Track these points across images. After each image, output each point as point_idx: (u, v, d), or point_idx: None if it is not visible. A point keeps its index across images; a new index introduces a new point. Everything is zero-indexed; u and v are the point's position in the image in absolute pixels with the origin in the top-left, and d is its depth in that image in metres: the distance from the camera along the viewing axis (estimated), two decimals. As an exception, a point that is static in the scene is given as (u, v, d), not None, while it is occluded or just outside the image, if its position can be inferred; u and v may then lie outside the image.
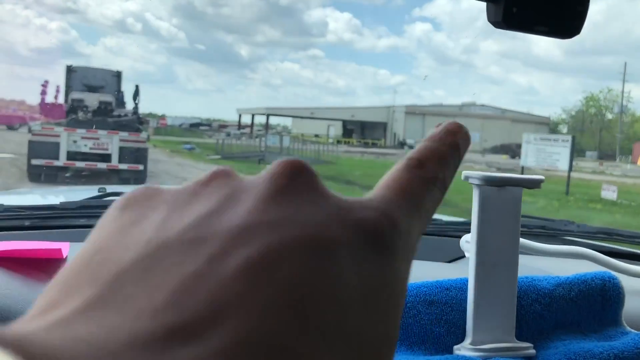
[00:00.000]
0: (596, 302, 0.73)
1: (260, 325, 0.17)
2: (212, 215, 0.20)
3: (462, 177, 0.68)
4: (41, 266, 0.77)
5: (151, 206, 0.22)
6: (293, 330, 0.17)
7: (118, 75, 14.60)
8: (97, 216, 0.82)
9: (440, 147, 0.26)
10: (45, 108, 13.54)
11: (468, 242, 0.71)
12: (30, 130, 11.80)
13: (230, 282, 0.17)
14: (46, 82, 14.16)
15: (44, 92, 13.77)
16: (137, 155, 11.41)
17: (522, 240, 0.83)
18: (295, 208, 0.20)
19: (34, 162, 10.74)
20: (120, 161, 11.25)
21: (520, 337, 0.70)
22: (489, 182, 0.67)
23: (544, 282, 0.73)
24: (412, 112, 44.37)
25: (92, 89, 13.78)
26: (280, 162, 0.22)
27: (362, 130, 45.34)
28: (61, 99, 13.84)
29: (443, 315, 0.68)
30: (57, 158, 10.92)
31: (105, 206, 1.22)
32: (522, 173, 0.76)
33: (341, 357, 0.18)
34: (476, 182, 0.67)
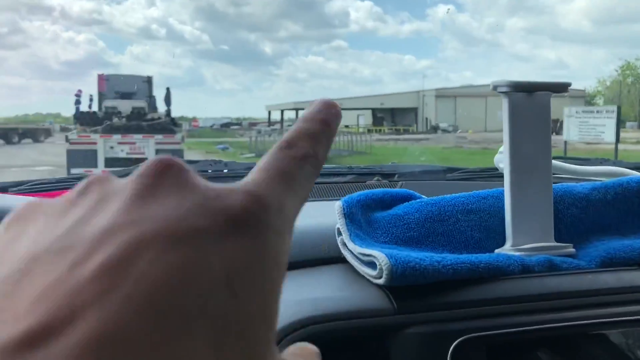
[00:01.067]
0: (634, 204, 0.75)
1: (117, 320, 0.18)
2: (81, 222, 0.21)
3: (491, 87, 0.71)
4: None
5: (32, 220, 0.23)
6: (148, 321, 0.18)
7: (149, 80, 14.81)
8: None
9: (310, 126, 0.28)
10: (80, 117, 13.82)
11: (501, 153, 0.73)
12: (67, 140, 12.01)
13: (89, 283, 0.18)
14: (80, 91, 14.44)
15: (78, 102, 14.05)
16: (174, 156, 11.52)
17: (556, 162, 0.86)
18: (160, 204, 0.21)
19: (74, 171, 10.83)
20: None
21: (559, 239, 0.72)
22: (518, 88, 0.69)
23: (579, 188, 0.75)
24: (443, 95, 43.93)
25: (124, 95, 14.00)
26: (148, 162, 0.23)
27: (392, 117, 45.07)
28: (95, 108, 14.10)
29: (482, 222, 0.71)
30: (95, 166, 11.01)
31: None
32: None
33: (206, 340, 0.19)
34: (505, 89, 0.69)
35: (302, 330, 0.56)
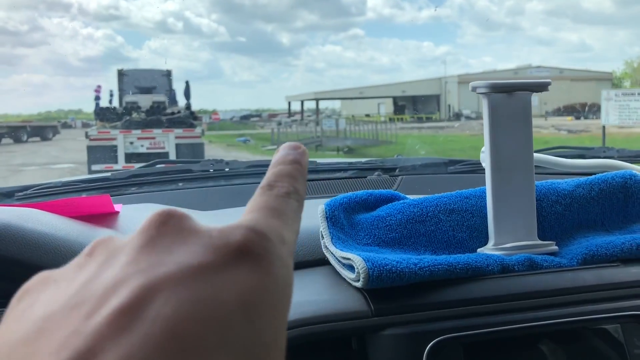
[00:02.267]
0: (618, 200, 0.76)
1: (139, 356, 0.19)
2: (91, 279, 0.23)
3: (470, 89, 0.72)
4: (95, 219, 0.85)
5: (43, 289, 0.24)
6: (170, 355, 0.19)
7: (168, 74, 14.86)
8: (147, 183, 0.90)
9: (284, 167, 0.31)
10: (100, 113, 13.95)
11: (484, 153, 0.74)
12: (87, 136, 12.10)
13: (106, 327, 0.20)
14: (99, 87, 14.57)
15: (97, 98, 14.18)
16: (194, 150, 11.45)
17: (550, 157, 0.86)
18: (166, 252, 0.23)
19: (94, 167, 10.74)
20: (178, 158, 11.25)
21: (543, 237, 0.73)
22: (497, 89, 0.70)
23: (564, 184, 0.76)
24: (465, 81, 43.47)
25: (144, 90, 14.08)
26: (150, 216, 0.25)
27: (414, 105, 44.77)
28: (115, 103, 14.23)
29: (464, 222, 0.72)
30: (115, 161, 11.08)
31: (154, 174, 1.31)
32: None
33: None
34: (484, 90, 0.70)
35: None
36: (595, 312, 0.63)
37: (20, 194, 1.16)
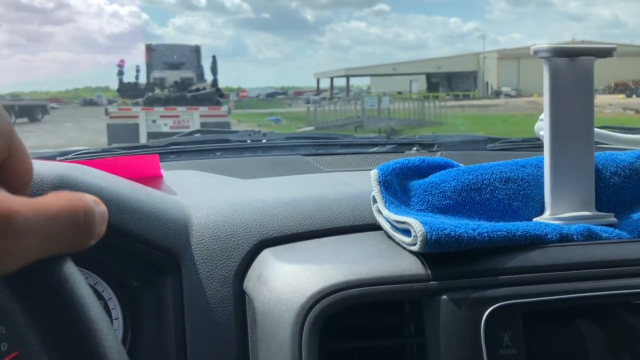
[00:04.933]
0: None
1: None
2: None
3: (532, 52, 0.72)
4: (144, 180, 0.88)
5: None
6: None
7: (197, 49, 14.73)
8: (185, 151, 0.93)
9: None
10: (122, 89, 13.99)
11: (542, 121, 0.75)
12: (107, 113, 12.00)
13: None
14: (122, 61, 14.64)
15: (120, 73, 14.24)
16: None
17: (600, 130, 0.87)
18: None
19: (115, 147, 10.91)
20: None
21: (601, 209, 0.74)
22: (559, 53, 0.71)
23: (623, 156, 0.77)
24: (506, 57, 42.88)
25: (172, 66, 13.94)
26: None
27: (448, 82, 44.30)
28: (142, 80, 14.26)
29: (520, 191, 0.74)
30: (137, 141, 10.72)
31: (192, 142, 1.34)
32: None
33: None
34: (545, 54, 0.71)
35: (336, 294, 0.60)
36: None
37: (61, 157, 1.20)
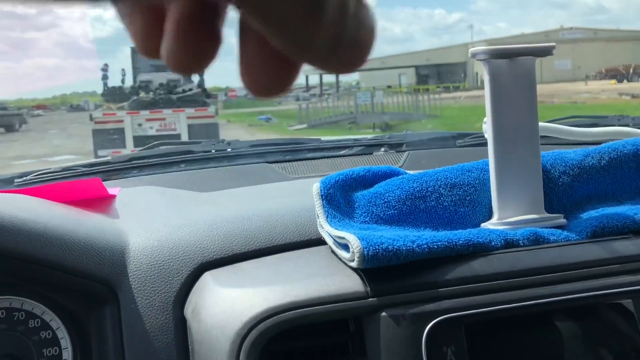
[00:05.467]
0: (630, 169, 0.75)
1: None
2: None
3: (470, 55, 0.71)
4: (90, 203, 0.87)
5: None
6: None
7: None
8: (148, 165, 0.91)
9: None
10: (106, 93, 13.85)
11: (486, 123, 0.74)
12: (91, 119, 11.81)
13: None
14: (106, 65, 14.55)
15: (105, 77, 14.11)
16: (208, 131, 10.95)
17: (557, 126, 0.86)
18: None
19: (101, 153, 10.23)
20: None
21: (551, 210, 0.73)
22: (498, 54, 0.70)
23: (572, 154, 0.76)
24: (495, 46, 42.80)
25: (159, 68, 13.82)
26: None
27: (438, 74, 44.34)
28: (129, 83, 14.13)
29: (467, 196, 0.72)
30: (123, 146, 10.61)
31: (155, 156, 1.33)
32: None
33: None
34: (483, 57, 0.70)
35: (272, 318, 0.59)
36: (605, 286, 0.63)
37: (19, 180, 1.18)
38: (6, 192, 0.78)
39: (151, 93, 13.03)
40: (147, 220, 0.78)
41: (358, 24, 0.20)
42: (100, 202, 0.88)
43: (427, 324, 0.59)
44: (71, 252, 0.65)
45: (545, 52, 0.70)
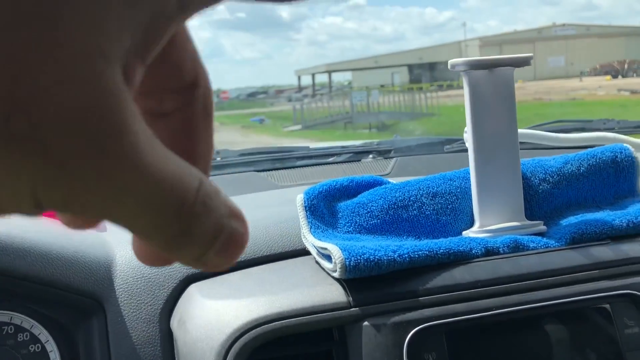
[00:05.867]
0: (609, 175, 0.77)
1: None
2: None
3: (449, 67, 0.73)
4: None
5: None
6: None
7: None
8: None
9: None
10: None
11: (467, 132, 0.76)
12: None
13: None
14: None
15: None
16: None
17: (539, 132, 0.88)
18: None
19: None
20: None
21: (532, 217, 0.75)
22: (476, 66, 0.72)
23: (552, 161, 0.77)
24: (487, 43, 43.11)
25: None
26: None
27: (431, 72, 44.45)
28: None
29: (448, 205, 0.74)
30: None
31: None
32: None
33: None
34: (462, 68, 0.72)
35: (256, 329, 0.61)
36: (584, 292, 0.65)
37: None
38: None
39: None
40: None
41: (227, 239, 0.22)
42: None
43: (409, 332, 0.60)
44: (58, 267, 0.67)
45: (523, 62, 0.72)
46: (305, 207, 0.73)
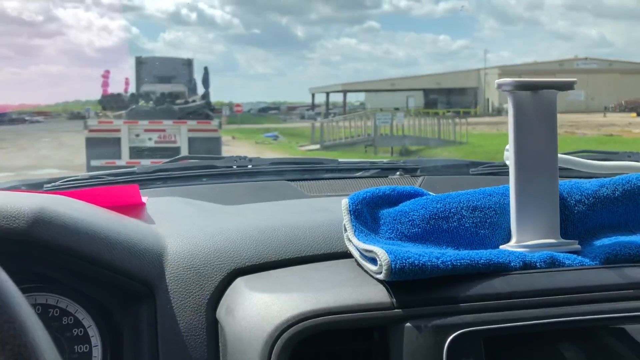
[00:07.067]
0: None
1: None
2: None
3: (496, 86, 0.78)
4: (122, 209, 0.93)
5: None
6: None
7: (189, 63, 14.43)
8: (172, 178, 0.99)
9: None
10: (104, 100, 13.57)
11: (508, 151, 0.81)
12: (85, 126, 10.81)
13: None
14: (107, 72, 14.25)
15: (105, 84, 13.90)
16: (210, 146, 10.74)
17: (571, 157, 0.92)
18: None
19: (94, 163, 10.10)
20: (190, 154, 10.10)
21: (566, 236, 0.79)
22: (522, 87, 0.76)
23: (587, 184, 0.82)
24: (507, 72, 43.28)
25: (163, 79, 13.57)
26: None
27: (447, 98, 44.53)
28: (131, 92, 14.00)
29: (487, 219, 0.79)
30: (118, 156, 10.35)
31: (178, 169, 1.39)
32: None
33: None
34: (509, 88, 0.76)
35: (304, 322, 0.65)
36: (616, 310, 0.69)
37: (48, 185, 1.25)
38: (54, 193, 0.85)
39: (151, 102, 12.71)
40: (183, 227, 0.84)
41: None
42: (132, 208, 0.95)
43: (449, 336, 0.64)
44: (115, 250, 0.72)
45: (568, 86, 0.77)
46: (350, 211, 0.77)
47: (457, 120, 19.66)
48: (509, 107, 0.77)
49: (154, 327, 0.73)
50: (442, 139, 17.88)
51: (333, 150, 16.96)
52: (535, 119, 0.77)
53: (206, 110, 12.21)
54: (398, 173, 1.44)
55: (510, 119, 0.77)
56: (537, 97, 0.77)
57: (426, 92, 46.41)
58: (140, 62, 14.17)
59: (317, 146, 17.74)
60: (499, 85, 0.77)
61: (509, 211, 0.79)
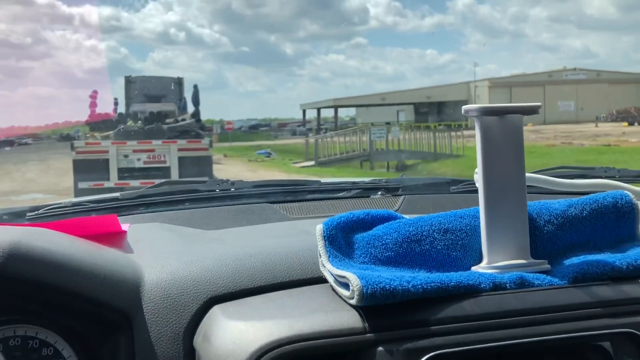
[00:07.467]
0: (610, 220, 0.84)
1: None
2: None
3: (463, 112, 0.80)
4: (103, 238, 0.95)
5: None
6: None
7: (179, 82, 14.37)
8: (155, 203, 1.02)
9: None
10: (92, 121, 13.54)
11: (477, 174, 0.83)
12: (72, 148, 10.90)
13: None
14: (95, 92, 14.24)
15: (93, 104, 13.86)
16: (200, 165, 10.71)
17: (545, 177, 0.95)
18: None
19: (81, 185, 10.03)
20: (180, 175, 10.39)
21: (536, 256, 0.81)
22: (488, 112, 0.79)
23: (556, 205, 0.84)
24: (497, 85, 43.58)
25: (152, 98, 13.45)
26: None
27: (438, 111, 44.76)
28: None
29: (459, 241, 0.81)
30: (107, 178, 10.25)
31: (161, 194, 1.41)
32: None
33: None
34: (475, 113, 0.79)
35: (278, 349, 0.67)
36: (586, 329, 0.71)
37: (31, 214, 1.26)
38: (33, 225, 0.86)
39: (140, 122, 12.55)
40: (160, 256, 0.86)
41: None
42: (113, 236, 0.96)
43: (420, 359, 0.66)
44: (91, 282, 0.73)
45: (532, 111, 0.79)
46: (325, 237, 0.79)
47: (452, 133, 19.66)
48: (476, 131, 0.80)
49: (132, 356, 0.74)
50: (438, 152, 17.91)
51: (328, 167, 16.88)
52: (502, 142, 0.80)
53: (196, 129, 12.15)
54: (380, 193, 1.46)
55: (478, 143, 0.80)
56: (504, 122, 0.79)
57: (416, 105, 46.64)
58: (129, 82, 14.12)
59: (312, 163, 17.68)
60: (466, 111, 0.80)
61: (480, 233, 0.81)
